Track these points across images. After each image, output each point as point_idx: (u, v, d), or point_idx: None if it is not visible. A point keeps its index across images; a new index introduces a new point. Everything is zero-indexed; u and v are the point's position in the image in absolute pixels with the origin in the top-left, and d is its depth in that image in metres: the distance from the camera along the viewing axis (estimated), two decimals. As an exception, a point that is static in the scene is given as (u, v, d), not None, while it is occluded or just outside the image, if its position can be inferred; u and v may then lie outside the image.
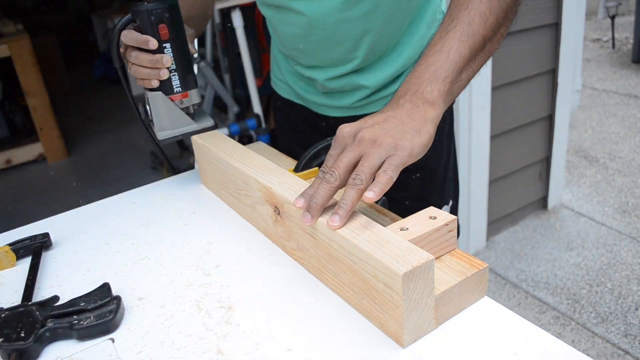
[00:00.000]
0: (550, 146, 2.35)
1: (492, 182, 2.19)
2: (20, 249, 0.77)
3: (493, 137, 2.10)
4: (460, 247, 0.62)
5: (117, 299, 0.62)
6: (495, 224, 2.30)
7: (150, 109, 0.84)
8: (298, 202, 0.61)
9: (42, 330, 0.58)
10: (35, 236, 0.80)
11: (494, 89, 2.01)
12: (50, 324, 0.59)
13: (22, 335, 0.57)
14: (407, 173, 0.91)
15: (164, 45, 0.79)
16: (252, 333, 0.58)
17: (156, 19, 0.78)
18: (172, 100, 0.83)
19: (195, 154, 0.88)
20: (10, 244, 0.78)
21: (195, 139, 0.87)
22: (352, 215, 0.59)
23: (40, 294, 0.68)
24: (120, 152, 3.68)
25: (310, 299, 0.62)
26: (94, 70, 5.33)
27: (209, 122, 0.87)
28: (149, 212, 0.88)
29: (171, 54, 0.80)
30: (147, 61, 0.80)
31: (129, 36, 0.79)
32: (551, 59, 2.18)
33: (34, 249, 0.77)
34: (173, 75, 0.81)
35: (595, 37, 5.40)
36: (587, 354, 1.19)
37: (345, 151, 0.61)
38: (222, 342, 0.57)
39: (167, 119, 0.83)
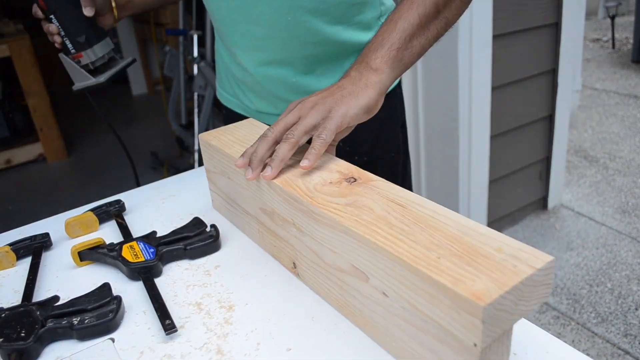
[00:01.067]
0: (550, 146, 2.35)
1: (492, 182, 2.19)
2: (20, 249, 0.77)
3: (493, 137, 2.10)
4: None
5: (118, 299, 0.62)
6: (496, 223, 2.30)
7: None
8: (238, 162, 0.66)
9: (42, 330, 0.58)
10: (35, 236, 0.80)
11: (494, 89, 2.01)
12: (50, 324, 0.59)
13: (22, 335, 0.57)
14: (351, 156, 0.93)
15: (50, 16, 0.89)
16: (252, 333, 0.58)
17: None
18: (73, 59, 0.92)
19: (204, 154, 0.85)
20: (10, 244, 0.78)
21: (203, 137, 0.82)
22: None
23: (40, 294, 0.68)
24: (120, 152, 3.67)
25: (310, 299, 0.62)
26: (94, 70, 5.32)
27: (98, 79, 0.95)
28: (149, 212, 0.88)
29: (57, 22, 0.89)
30: (44, 30, 0.92)
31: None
32: (551, 59, 2.18)
33: (34, 249, 0.77)
34: (65, 39, 0.90)
35: (595, 37, 5.40)
36: (587, 354, 1.20)
37: (285, 115, 0.66)
38: (222, 342, 0.57)
39: (72, 75, 0.94)
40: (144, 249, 0.71)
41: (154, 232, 0.76)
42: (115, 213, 0.85)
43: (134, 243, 0.73)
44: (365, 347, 0.54)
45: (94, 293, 0.63)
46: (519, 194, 2.34)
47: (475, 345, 0.41)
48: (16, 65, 3.33)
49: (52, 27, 0.90)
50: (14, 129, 3.67)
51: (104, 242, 0.74)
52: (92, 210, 0.86)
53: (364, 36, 0.91)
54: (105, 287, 0.63)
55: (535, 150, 2.33)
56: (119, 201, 0.88)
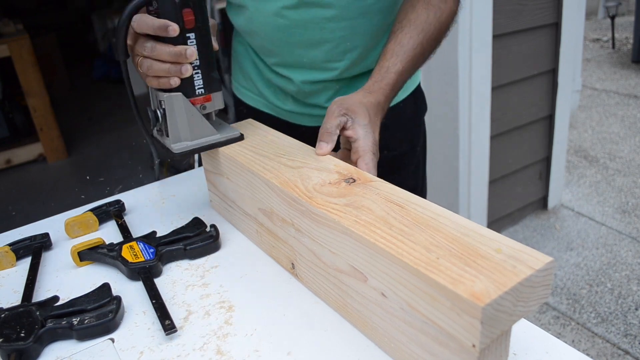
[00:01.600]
0: (550, 146, 2.35)
1: (492, 182, 2.19)
2: (20, 249, 0.77)
3: (493, 137, 2.10)
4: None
5: (117, 299, 0.62)
6: (496, 223, 2.30)
7: (162, 115, 0.69)
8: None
9: (41, 330, 0.58)
10: (35, 236, 0.80)
11: (494, 89, 2.01)
12: (50, 324, 0.59)
13: (22, 335, 0.57)
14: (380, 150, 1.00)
15: (187, 35, 0.65)
16: (252, 334, 0.58)
17: (180, 2, 0.63)
18: (193, 104, 0.68)
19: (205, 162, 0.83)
20: (10, 244, 0.78)
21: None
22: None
23: (40, 294, 0.68)
24: (120, 152, 3.67)
25: (310, 301, 0.62)
26: (94, 70, 5.33)
27: (234, 132, 0.73)
28: (149, 212, 0.88)
29: (195, 46, 0.65)
30: (166, 53, 0.64)
31: (142, 21, 0.64)
32: (551, 59, 2.18)
33: (34, 249, 0.77)
34: (196, 74, 0.67)
35: (595, 37, 5.40)
36: (587, 354, 1.20)
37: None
38: (221, 343, 0.57)
39: (186, 127, 0.68)
40: (144, 249, 0.71)
41: (154, 232, 0.76)
42: (115, 213, 0.85)
43: (133, 243, 0.73)
44: (364, 350, 0.54)
45: (94, 293, 0.63)
46: (519, 194, 2.34)
47: (473, 346, 0.41)
48: (16, 65, 3.33)
49: (191, 50, 0.66)
50: (14, 129, 3.66)
51: (104, 242, 0.74)
52: (92, 210, 0.86)
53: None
54: (105, 287, 0.63)
55: (535, 150, 2.33)
56: (118, 201, 0.88)
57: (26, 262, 0.76)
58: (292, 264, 0.65)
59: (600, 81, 4.18)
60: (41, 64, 3.48)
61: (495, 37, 1.92)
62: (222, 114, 3.22)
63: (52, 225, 0.86)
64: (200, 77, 0.68)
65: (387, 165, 1.01)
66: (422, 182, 1.15)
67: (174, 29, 0.63)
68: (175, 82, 0.67)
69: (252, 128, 0.79)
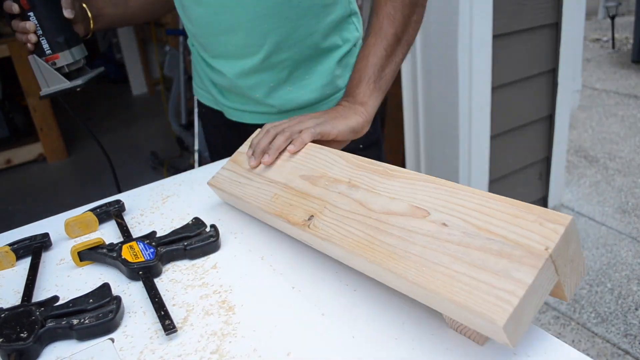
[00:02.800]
0: (550, 146, 2.35)
1: (492, 182, 2.19)
2: (20, 249, 0.77)
3: (493, 137, 2.10)
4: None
5: (117, 299, 0.62)
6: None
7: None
8: (252, 162, 0.78)
9: (42, 330, 0.58)
10: (35, 236, 0.80)
11: (494, 89, 2.01)
12: (50, 324, 0.59)
13: (22, 335, 0.57)
14: None
15: (27, 13, 0.86)
16: (252, 335, 0.58)
17: None
18: (46, 61, 0.89)
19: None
20: (10, 244, 0.78)
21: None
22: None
23: (40, 294, 0.68)
24: (120, 152, 3.67)
25: (311, 302, 0.62)
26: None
27: (75, 82, 0.92)
28: (149, 212, 0.88)
29: (35, 20, 0.87)
30: (16, 27, 0.88)
31: (3, 4, 0.89)
32: (551, 59, 2.18)
33: (34, 249, 0.77)
34: (42, 39, 0.88)
35: (595, 37, 5.40)
36: (587, 354, 1.19)
37: (285, 122, 0.80)
38: (222, 343, 0.57)
39: (43, 78, 0.90)
40: (144, 249, 0.71)
41: (154, 232, 0.76)
42: (115, 213, 0.85)
43: (133, 243, 0.73)
44: (368, 352, 0.54)
45: (94, 293, 0.63)
46: (519, 193, 2.34)
47: (546, 249, 0.45)
48: (16, 65, 3.33)
49: (30, 24, 0.87)
50: (14, 129, 3.67)
51: (104, 242, 0.74)
52: (92, 210, 0.86)
53: (336, 37, 0.97)
54: (105, 287, 0.63)
55: (535, 150, 2.32)
56: (118, 201, 0.88)
57: (26, 262, 0.76)
58: (311, 216, 0.65)
59: (600, 81, 4.18)
60: (41, 64, 3.48)
61: (495, 37, 1.92)
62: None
63: (52, 225, 0.86)
64: (46, 41, 0.88)
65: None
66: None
67: (15, 8, 0.86)
68: (29, 46, 0.89)
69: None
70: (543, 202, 2.47)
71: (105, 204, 0.87)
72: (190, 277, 0.69)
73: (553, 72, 2.21)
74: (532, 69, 2.13)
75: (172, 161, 3.30)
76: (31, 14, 0.87)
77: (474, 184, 2.10)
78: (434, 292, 0.48)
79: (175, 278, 0.69)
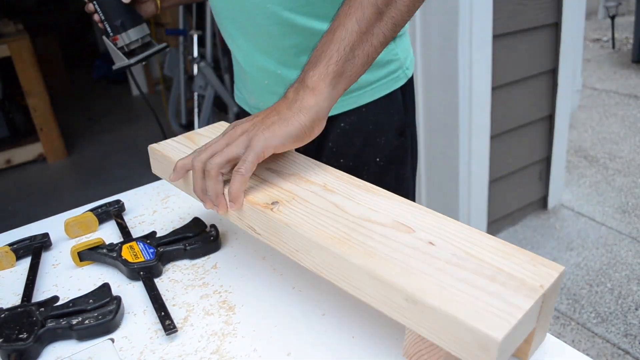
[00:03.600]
0: (551, 146, 2.35)
1: (493, 181, 2.19)
2: (20, 249, 0.77)
3: (493, 137, 2.10)
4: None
5: (117, 299, 0.62)
6: (495, 224, 2.30)
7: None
8: (172, 176, 0.66)
9: (41, 330, 0.58)
10: (35, 236, 0.80)
11: (494, 89, 2.01)
12: (50, 324, 0.59)
13: (22, 335, 0.57)
14: (336, 158, 0.91)
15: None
16: (252, 335, 0.58)
17: None
18: (111, 42, 0.98)
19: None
20: (10, 244, 0.78)
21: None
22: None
23: (40, 294, 0.68)
24: (120, 152, 3.67)
25: (311, 301, 0.62)
26: (94, 70, 5.33)
27: (130, 61, 0.99)
28: (149, 212, 0.88)
29: (97, 5, 0.95)
30: (86, 9, 0.96)
31: None
32: (551, 59, 2.17)
33: (34, 249, 0.77)
34: (105, 22, 0.96)
35: (595, 37, 5.40)
36: (587, 354, 1.19)
37: (215, 142, 0.63)
38: (222, 343, 0.57)
39: (112, 55, 1.00)
40: (144, 249, 0.71)
41: (154, 232, 0.76)
42: (114, 213, 0.85)
43: (133, 243, 0.73)
44: (368, 352, 0.54)
45: (94, 293, 0.63)
46: (519, 194, 2.34)
47: (541, 286, 0.44)
48: (16, 65, 3.33)
49: (89, 7, 0.95)
50: (14, 129, 3.66)
51: (104, 243, 0.74)
52: (92, 210, 0.86)
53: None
54: (105, 288, 0.63)
55: (536, 150, 2.32)
56: (118, 201, 0.88)
57: (26, 262, 0.76)
58: (276, 202, 0.59)
59: (600, 81, 4.18)
60: (41, 64, 3.48)
61: (495, 37, 1.92)
62: (222, 113, 3.22)
63: (52, 225, 0.86)
64: (107, 24, 0.96)
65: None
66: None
67: None
68: (101, 26, 0.97)
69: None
70: (543, 202, 2.47)
71: (105, 204, 0.87)
72: (190, 277, 0.69)
73: (553, 72, 2.21)
74: (532, 69, 2.13)
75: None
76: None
77: (474, 184, 2.10)
78: (415, 297, 0.42)
79: (176, 278, 0.69)
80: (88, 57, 5.53)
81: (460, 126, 1.96)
